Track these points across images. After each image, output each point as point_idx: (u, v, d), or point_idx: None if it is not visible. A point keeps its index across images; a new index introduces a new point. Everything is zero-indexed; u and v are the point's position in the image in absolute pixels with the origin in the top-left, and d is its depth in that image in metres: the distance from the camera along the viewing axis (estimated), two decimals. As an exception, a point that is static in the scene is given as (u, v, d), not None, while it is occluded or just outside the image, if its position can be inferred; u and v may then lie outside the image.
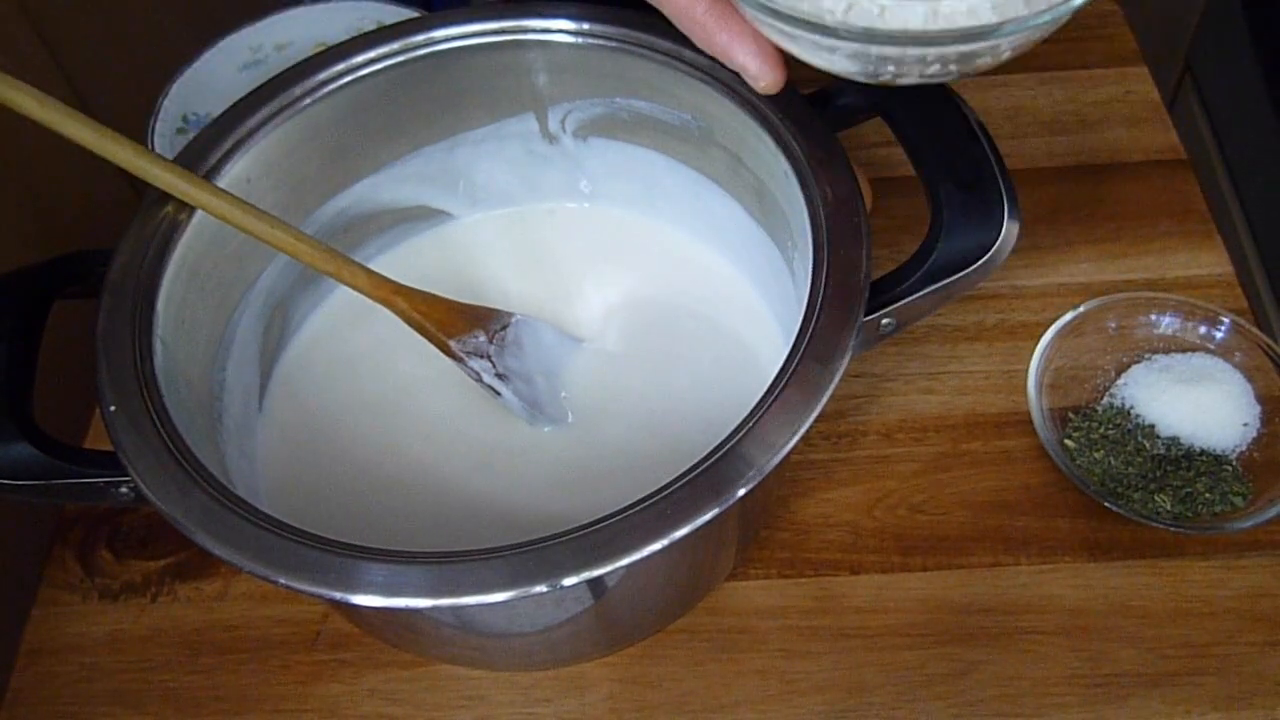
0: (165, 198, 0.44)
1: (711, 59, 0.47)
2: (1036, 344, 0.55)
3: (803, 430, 0.37)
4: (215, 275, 0.47)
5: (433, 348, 0.50)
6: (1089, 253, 0.61)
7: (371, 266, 0.57)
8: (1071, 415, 0.54)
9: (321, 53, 0.50)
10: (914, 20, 0.33)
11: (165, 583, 0.53)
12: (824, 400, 0.38)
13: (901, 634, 0.49)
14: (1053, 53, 0.71)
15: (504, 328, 0.50)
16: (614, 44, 0.49)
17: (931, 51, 0.34)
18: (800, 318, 0.40)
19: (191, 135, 0.51)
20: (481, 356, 0.49)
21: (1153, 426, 0.52)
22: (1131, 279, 0.59)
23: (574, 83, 0.52)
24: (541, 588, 0.34)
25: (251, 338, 0.51)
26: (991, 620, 0.49)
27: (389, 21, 0.55)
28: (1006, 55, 0.35)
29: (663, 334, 0.53)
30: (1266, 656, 0.47)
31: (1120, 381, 0.54)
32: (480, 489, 0.49)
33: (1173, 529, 0.49)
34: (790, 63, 0.42)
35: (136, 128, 0.51)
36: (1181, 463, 0.51)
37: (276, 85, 0.49)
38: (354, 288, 0.47)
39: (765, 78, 0.42)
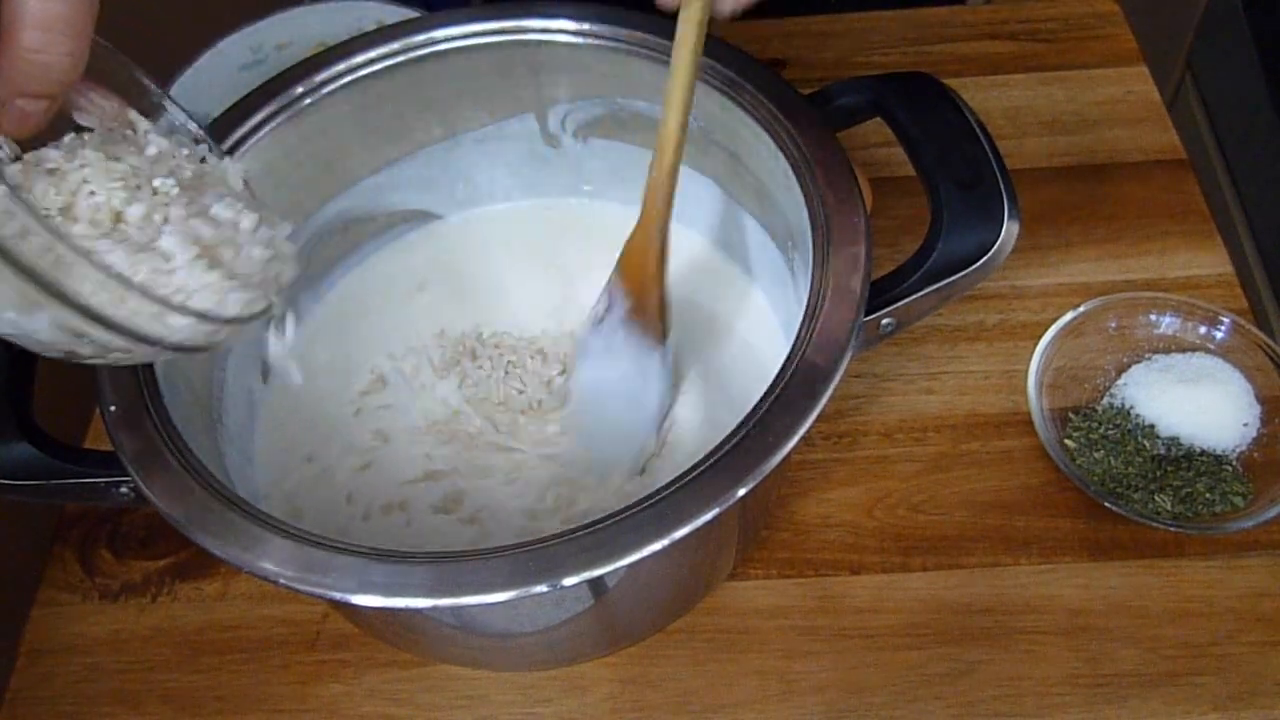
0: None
1: (712, 59, 0.47)
2: (1036, 344, 0.55)
3: (803, 430, 0.37)
4: (215, 275, 0.47)
5: (431, 349, 0.50)
6: (1089, 253, 0.61)
7: (369, 260, 0.57)
8: (1071, 415, 0.54)
9: (321, 53, 0.50)
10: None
11: (165, 583, 0.53)
12: (824, 400, 0.38)
13: (901, 634, 0.49)
14: (1053, 53, 0.71)
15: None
16: (614, 44, 0.49)
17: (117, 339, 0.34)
18: (800, 317, 0.40)
19: (191, 135, 0.51)
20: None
21: (1153, 426, 0.52)
22: (1131, 279, 0.59)
23: (574, 83, 0.52)
24: (541, 588, 0.34)
25: (251, 338, 0.51)
26: (991, 620, 0.49)
27: (389, 21, 0.55)
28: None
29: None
30: (1266, 656, 0.47)
31: (1120, 381, 0.54)
32: (480, 488, 0.49)
33: (1173, 529, 0.49)
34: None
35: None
36: (1181, 463, 0.51)
37: (276, 85, 0.49)
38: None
39: None
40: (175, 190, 0.36)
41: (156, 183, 0.36)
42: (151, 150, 0.37)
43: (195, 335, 0.35)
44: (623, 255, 0.46)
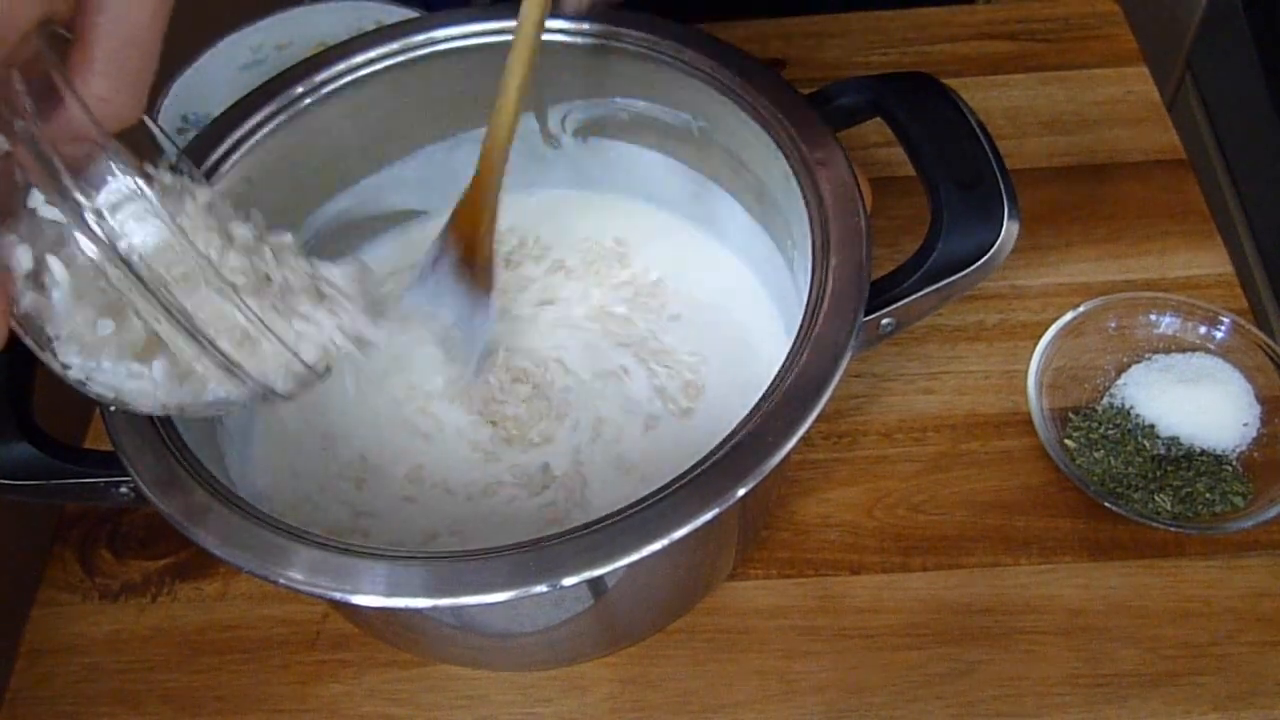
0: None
1: (710, 58, 0.47)
2: (1036, 344, 0.55)
3: (803, 430, 0.37)
4: (215, 275, 0.47)
5: (431, 348, 0.50)
6: (1089, 253, 0.61)
7: (365, 252, 0.57)
8: (1071, 415, 0.54)
9: (321, 53, 0.50)
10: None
11: (165, 583, 0.53)
12: (824, 400, 0.38)
13: (901, 634, 0.49)
14: (1053, 53, 0.71)
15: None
16: (614, 44, 0.49)
17: None
18: (800, 317, 0.40)
19: (192, 135, 0.51)
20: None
21: (1153, 426, 0.52)
22: (1131, 279, 0.59)
23: (574, 83, 0.52)
24: (541, 588, 0.34)
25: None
26: (991, 620, 0.49)
27: (389, 21, 0.55)
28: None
29: (663, 332, 0.53)
30: (1266, 656, 0.47)
31: (1120, 381, 0.54)
32: (480, 488, 0.49)
33: (1173, 529, 0.49)
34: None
35: (136, 127, 0.51)
36: (1181, 463, 0.51)
37: (276, 85, 0.49)
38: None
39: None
40: (253, 238, 0.36)
41: (233, 229, 0.36)
42: (203, 199, 0.37)
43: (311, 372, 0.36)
44: (456, 211, 0.48)
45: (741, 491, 0.36)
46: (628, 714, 0.48)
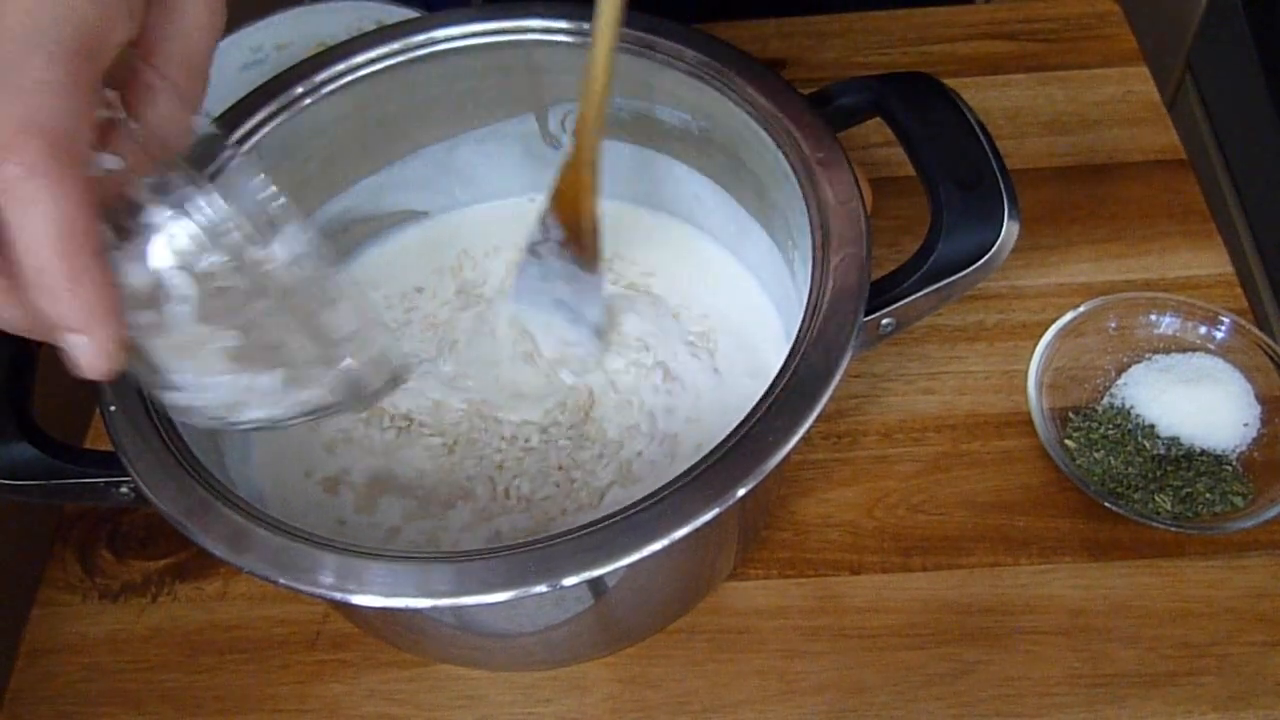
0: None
1: (710, 58, 0.47)
2: (1036, 344, 0.55)
3: (803, 430, 0.37)
4: (215, 275, 0.47)
5: (432, 344, 0.50)
6: (1089, 253, 0.61)
7: (365, 253, 0.57)
8: (1071, 415, 0.54)
9: (321, 53, 0.50)
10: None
11: (165, 583, 0.53)
12: (824, 400, 0.38)
13: (901, 634, 0.49)
14: (1053, 53, 0.71)
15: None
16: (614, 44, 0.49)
17: None
18: (800, 317, 0.40)
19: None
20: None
21: (1153, 426, 0.52)
22: (1131, 279, 0.59)
23: (574, 83, 0.52)
24: (541, 588, 0.34)
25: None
26: (991, 620, 0.49)
27: (389, 21, 0.55)
28: None
29: (663, 332, 0.53)
30: (1266, 656, 0.47)
31: (1120, 381, 0.54)
32: (480, 488, 0.49)
33: (1173, 529, 0.49)
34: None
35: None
36: (1181, 463, 0.51)
37: (277, 85, 0.49)
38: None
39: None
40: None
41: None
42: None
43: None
44: (555, 190, 0.49)
45: (741, 491, 0.36)
46: (628, 714, 0.48)
